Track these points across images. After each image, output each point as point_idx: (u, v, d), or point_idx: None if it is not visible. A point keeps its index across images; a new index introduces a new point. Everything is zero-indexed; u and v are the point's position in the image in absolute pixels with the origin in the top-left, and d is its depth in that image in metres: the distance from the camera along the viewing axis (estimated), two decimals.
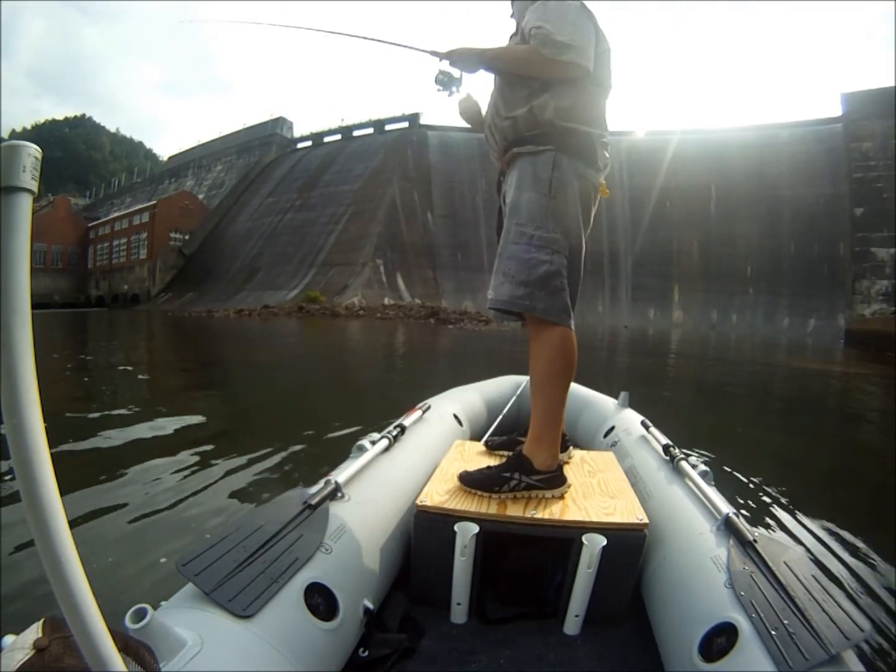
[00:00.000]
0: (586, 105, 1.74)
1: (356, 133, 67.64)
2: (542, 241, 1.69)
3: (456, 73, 1.87)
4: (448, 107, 2.03)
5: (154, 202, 69.15)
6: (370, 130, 66.01)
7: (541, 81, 1.71)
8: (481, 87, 2.02)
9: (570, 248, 1.74)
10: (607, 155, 1.83)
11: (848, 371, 13.57)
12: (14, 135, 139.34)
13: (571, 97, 1.71)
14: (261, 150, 74.59)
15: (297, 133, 77.06)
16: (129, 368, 9.25)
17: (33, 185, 0.51)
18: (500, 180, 1.94)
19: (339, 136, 69.34)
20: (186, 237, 66.70)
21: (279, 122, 76.31)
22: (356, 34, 2.22)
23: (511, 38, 1.89)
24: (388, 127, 63.79)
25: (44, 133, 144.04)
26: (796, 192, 42.47)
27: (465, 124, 2.13)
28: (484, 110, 2.01)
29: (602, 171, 1.83)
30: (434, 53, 1.85)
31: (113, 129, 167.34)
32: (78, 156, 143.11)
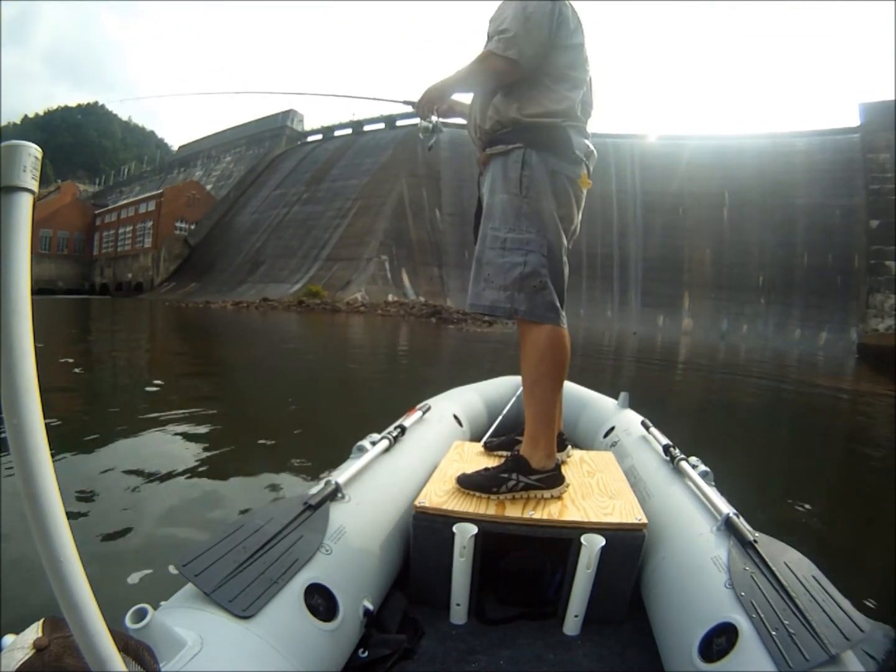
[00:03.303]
0: (554, 100, 1.72)
1: (367, 128, 67.50)
2: (515, 242, 1.71)
3: (430, 124, 2.05)
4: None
5: (160, 191, 69.12)
6: (381, 125, 65.84)
7: (505, 85, 1.73)
8: None
9: (548, 245, 1.72)
10: (587, 143, 1.80)
11: (863, 389, 12.97)
12: (26, 120, 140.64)
13: (536, 95, 1.71)
14: (271, 141, 74.57)
15: (307, 126, 76.98)
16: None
17: (33, 185, 0.52)
18: (479, 182, 1.94)
19: (349, 130, 69.17)
20: (192, 227, 66.69)
21: (290, 115, 76.08)
22: (346, 94, 2.32)
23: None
24: (398, 122, 63.40)
25: (55, 119, 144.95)
26: (811, 202, 41.94)
27: None
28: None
29: (581, 161, 1.78)
30: (406, 103, 2.01)
31: (125, 118, 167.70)
32: (89, 143, 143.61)
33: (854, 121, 44.10)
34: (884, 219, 36.69)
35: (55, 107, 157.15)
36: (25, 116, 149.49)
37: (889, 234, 35.67)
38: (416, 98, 1.97)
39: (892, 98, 40.06)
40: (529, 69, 1.67)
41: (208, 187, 73.68)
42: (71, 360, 8.05)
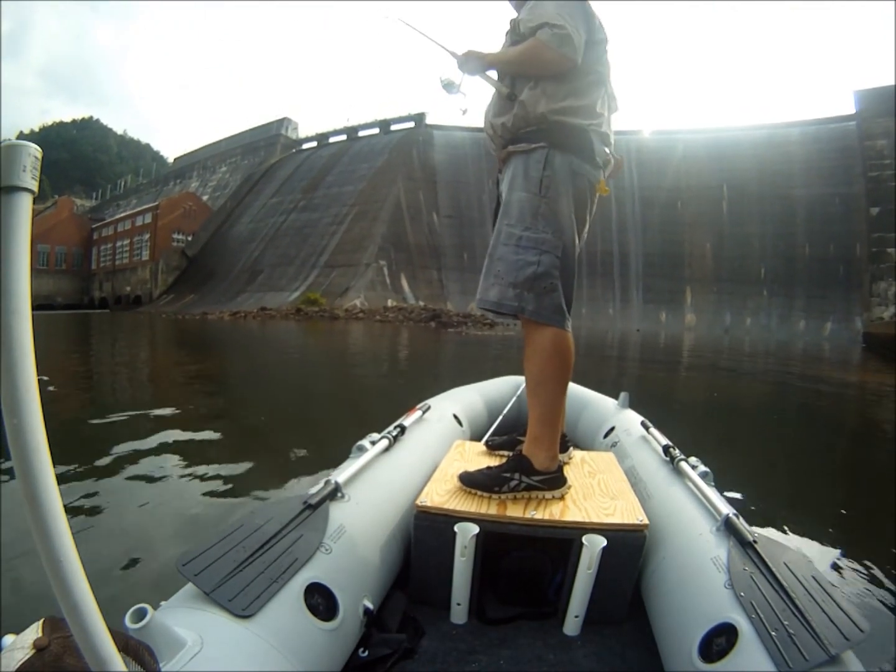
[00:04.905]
0: (580, 96, 1.73)
1: (361, 133, 67.71)
2: (531, 241, 1.70)
3: (458, 78, 1.95)
4: (452, 107, 2.35)
5: (156, 203, 69.10)
6: (376, 130, 66.08)
7: (533, 79, 1.74)
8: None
9: (563, 247, 1.72)
10: (607, 151, 1.81)
11: (869, 379, 12.55)
12: (21, 136, 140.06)
13: (564, 91, 1.71)
14: (265, 150, 74.77)
15: (302, 134, 77.23)
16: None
17: (33, 185, 0.52)
18: (499, 179, 1.93)
19: (344, 137, 69.43)
20: (189, 238, 66.68)
21: (284, 123, 76.44)
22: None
23: (506, 34, 1.90)
24: (393, 127, 63.86)
25: (51, 135, 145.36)
26: (810, 192, 41.94)
27: (471, 124, 1.91)
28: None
29: (601, 167, 1.80)
30: (452, 54, 1.91)
31: (120, 132, 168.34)
32: (85, 157, 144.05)
33: (849, 108, 44.12)
34: (884, 206, 36.66)
35: (50, 122, 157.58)
36: (21, 132, 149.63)
37: (890, 222, 35.62)
38: (460, 51, 1.93)
39: (888, 84, 39.97)
40: (576, 64, 1.69)
41: (204, 198, 73.87)
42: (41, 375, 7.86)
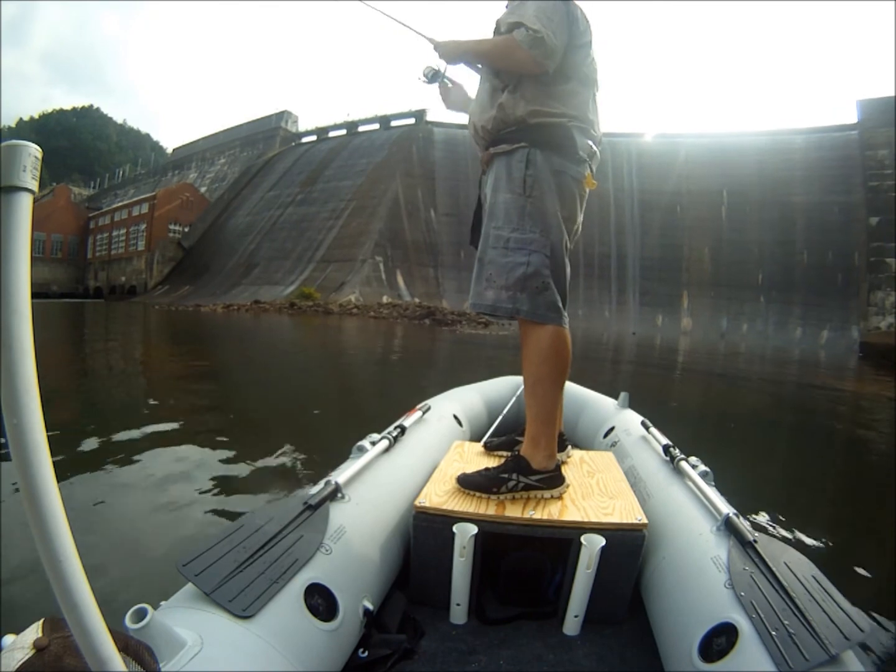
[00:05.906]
0: (561, 99, 1.72)
1: (361, 128, 67.53)
2: (519, 242, 1.70)
3: (441, 67, 1.99)
4: (435, 98, 2.20)
5: (154, 193, 68.82)
6: (375, 126, 65.83)
7: (512, 82, 1.73)
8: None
9: (551, 245, 1.73)
10: (590, 144, 1.79)
11: (865, 389, 12.53)
12: (21, 123, 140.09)
13: (543, 95, 1.71)
14: (264, 143, 74.56)
15: (302, 127, 76.98)
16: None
17: (33, 185, 0.52)
18: (482, 181, 1.94)
19: (343, 131, 69.11)
20: (186, 229, 66.49)
21: (284, 116, 76.15)
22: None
23: (494, 32, 1.88)
24: (393, 123, 63.67)
25: (50, 122, 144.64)
26: (810, 200, 41.94)
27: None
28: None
29: (585, 161, 1.78)
30: (430, 40, 1.92)
31: (120, 121, 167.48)
32: (84, 146, 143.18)
33: (852, 118, 44.12)
34: (883, 216, 36.63)
35: (50, 110, 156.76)
36: (21, 119, 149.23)
37: (889, 231, 35.62)
38: (439, 39, 1.93)
39: (890, 94, 40.02)
40: (548, 70, 1.68)
41: (202, 189, 73.55)
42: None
